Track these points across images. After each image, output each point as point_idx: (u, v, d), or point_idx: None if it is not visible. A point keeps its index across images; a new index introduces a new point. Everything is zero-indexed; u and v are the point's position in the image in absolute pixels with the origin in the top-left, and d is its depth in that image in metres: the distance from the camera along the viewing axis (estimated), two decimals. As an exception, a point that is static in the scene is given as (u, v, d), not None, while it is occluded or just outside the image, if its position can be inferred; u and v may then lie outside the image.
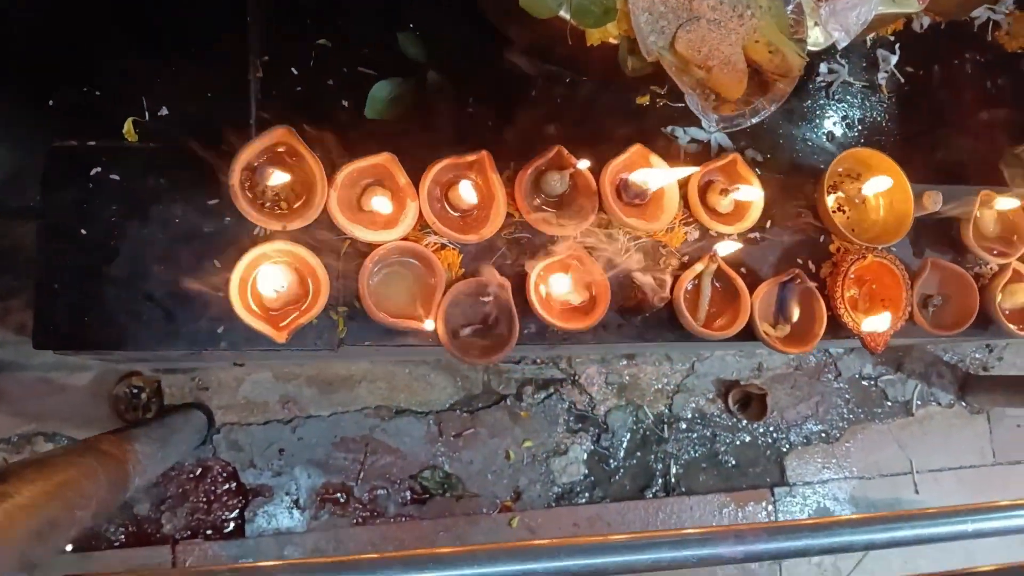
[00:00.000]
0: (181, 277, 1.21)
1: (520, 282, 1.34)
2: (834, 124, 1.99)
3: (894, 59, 2.02)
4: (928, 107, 2.05)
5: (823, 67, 2.00)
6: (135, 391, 1.94)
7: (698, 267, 1.38)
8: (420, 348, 1.33)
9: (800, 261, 1.50)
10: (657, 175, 1.32)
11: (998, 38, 2.11)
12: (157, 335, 1.22)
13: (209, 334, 1.23)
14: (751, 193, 1.37)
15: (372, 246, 1.27)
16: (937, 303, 1.52)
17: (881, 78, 2.04)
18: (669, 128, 1.81)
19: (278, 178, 1.15)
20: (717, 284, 1.41)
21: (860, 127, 2.01)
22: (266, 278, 1.15)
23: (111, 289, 1.20)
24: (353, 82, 1.60)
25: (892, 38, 2.03)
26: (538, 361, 2.24)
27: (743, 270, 1.46)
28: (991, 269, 1.58)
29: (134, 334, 1.21)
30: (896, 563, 2.26)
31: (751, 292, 1.42)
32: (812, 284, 1.42)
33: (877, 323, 1.39)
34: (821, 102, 2.00)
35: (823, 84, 2.01)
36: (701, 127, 1.80)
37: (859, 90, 2.02)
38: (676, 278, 1.40)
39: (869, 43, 2.03)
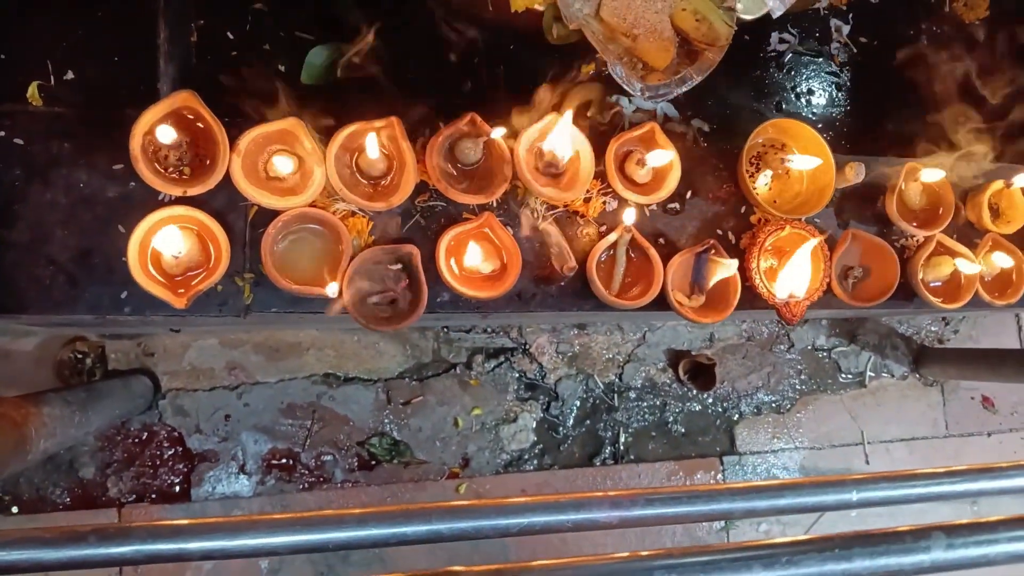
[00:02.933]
0: (84, 242, 1.21)
1: (432, 251, 1.34)
2: (784, 95, 1.97)
3: (847, 29, 2.00)
4: (881, 78, 2.02)
5: (774, 37, 1.98)
6: (79, 356, 1.95)
7: (612, 237, 1.38)
8: (332, 316, 1.34)
9: (720, 232, 1.49)
10: (566, 144, 1.31)
11: (956, 9, 2.08)
12: (60, 300, 1.22)
13: (112, 299, 1.23)
14: (662, 160, 1.36)
15: (280, 213, 1.27)
16: (858, 275, 1.52)
17: (834, 48, 2.01)
18: (614, 97, 1.79)
19: (166, 134, 1.15)
20: (632, 254, 1.41)
21: (811, 98, 1.99)
22: (163, 242, 1.15)
23: (13, 254, 1.20)
24: (290, 47, 1.59)
25: (845, 8, 2.00)
26: (488, 330, 2.24)
27: (662, 241, 1.46)
28: (916, 241, 1.58)
29: (36, 299, 1.21)
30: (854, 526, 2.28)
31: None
32: (727, 255, 1.41)
33: (789, 293, 1.38)
34: (772, 72, 1.98)
35: (774, 54, 1.99)
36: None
37: (811, 61, 1.99)
38: (591, 248, 1.40)
39: (822, 12, 2.00)
